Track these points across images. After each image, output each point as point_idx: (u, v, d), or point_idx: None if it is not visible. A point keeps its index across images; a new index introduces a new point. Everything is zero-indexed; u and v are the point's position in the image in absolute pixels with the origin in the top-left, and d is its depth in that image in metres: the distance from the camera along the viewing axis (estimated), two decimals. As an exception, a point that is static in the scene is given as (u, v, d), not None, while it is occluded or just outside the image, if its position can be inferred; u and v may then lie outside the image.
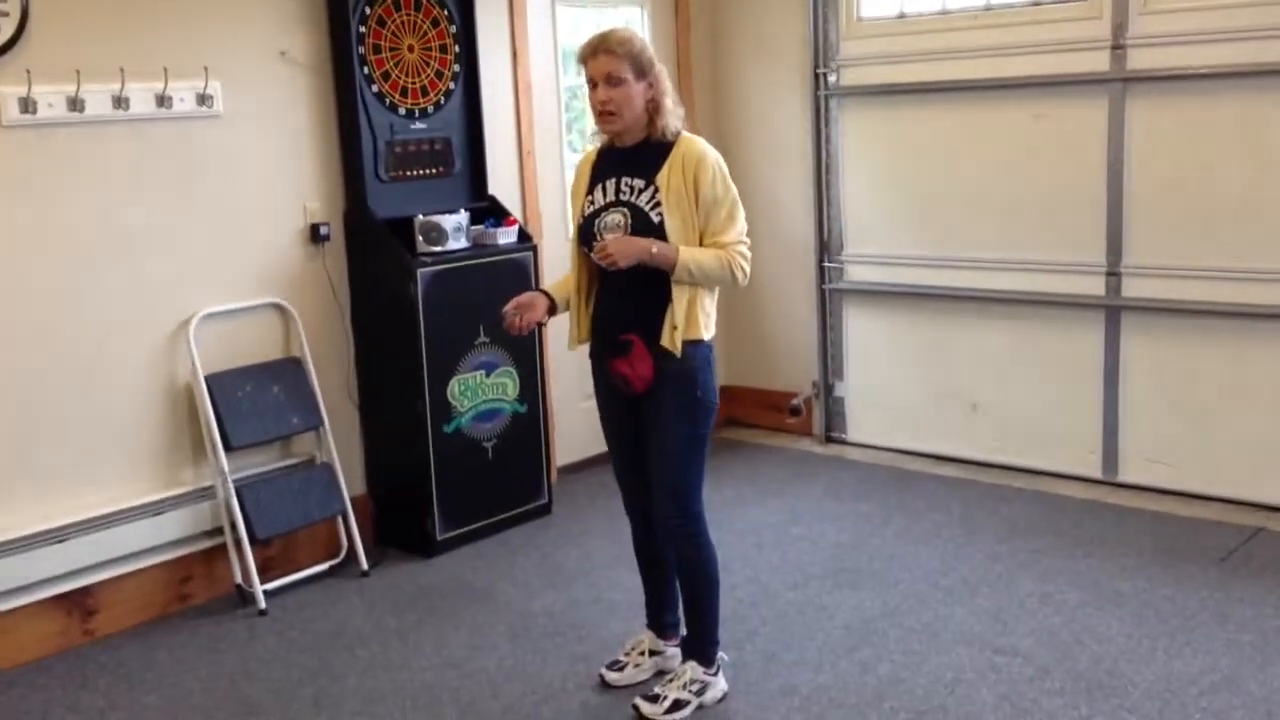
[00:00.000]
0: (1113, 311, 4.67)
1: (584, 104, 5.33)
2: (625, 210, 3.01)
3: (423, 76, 4.42)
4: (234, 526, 3.98)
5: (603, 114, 3.00)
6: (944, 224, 5.07)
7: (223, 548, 4.03)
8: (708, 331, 3.07)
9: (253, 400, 4.06)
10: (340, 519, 4.29)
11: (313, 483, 4.18)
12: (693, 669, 3.21)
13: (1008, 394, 5.00)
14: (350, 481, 4.34)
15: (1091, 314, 4.72)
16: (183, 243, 3.96)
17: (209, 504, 4.00)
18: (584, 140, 5.37)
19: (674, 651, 3.37)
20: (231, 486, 3.96)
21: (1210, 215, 4.39)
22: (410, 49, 4.37)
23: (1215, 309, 4.41)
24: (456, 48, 4.51)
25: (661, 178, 2.98)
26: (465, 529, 4.45)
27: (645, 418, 3.12)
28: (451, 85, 4.51)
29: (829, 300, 5.47)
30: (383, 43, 4.29)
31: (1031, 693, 3.20)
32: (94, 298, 3.76)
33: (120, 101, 3.73)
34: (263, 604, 3.95)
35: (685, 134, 3.05)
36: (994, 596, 3.80)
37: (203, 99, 3.94)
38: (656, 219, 2.97)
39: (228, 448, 3.96)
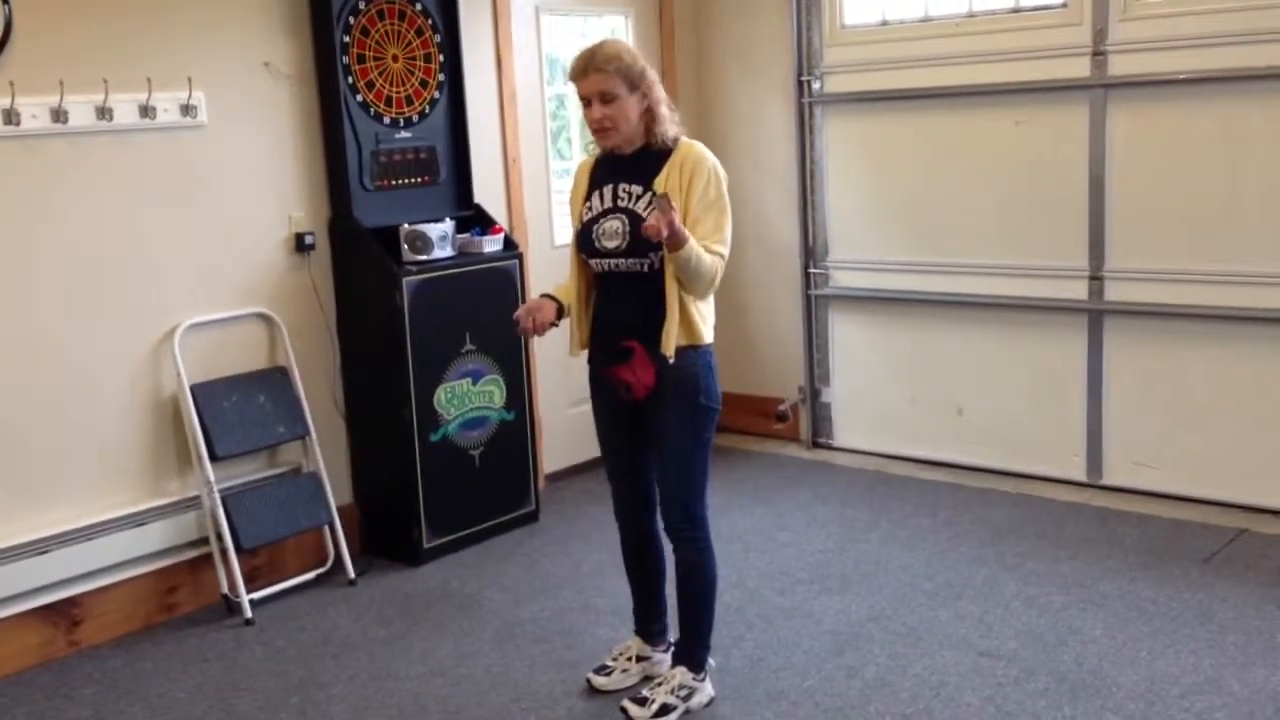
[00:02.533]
0: (1095, 315, 4.70)
1: (569, 112, 5.38)
2: (623, 216, 3.00)
3: (407, 86, 4.43)
4: (220, 536, 3.98)
5: (599, 130, 2.99)
6: (928, 229, 5.10)
7: (209, 557, 4.03)
8: (709, 334, 3.08)
9: (238, 410, 4.05)
10: (327, 528, 4.29)
11: (299, 492, 4.18)
12: (682, 674, 3.22)
13: (992, 398, 5.03)
14: (337, 490, 4.34)
15: (1074, 318, 4.75)
16: (167, 253, 3.96)
17: (195, 514, 4.00)
18: (570, 148, 5.40)
19: (661, 657, 3.38)
20: (218, 496, 3.95)
21: (1191, 219, 4.42)
22: (394, 58, 4.38)
23: (1197, 312, 4.44)
24: (441, 56, 4.52)
25: (659, 183, 2.97)
26: (452, 537, 4.45)
27: (648, 425, 3.12)
28: (436, 94, 4.52)
29: (814, 306, 5.49)
30: (367, 52, 4.30)
31: (1016, 695, 3.21)
32: (78, 308, 3.76)
33: (104, 112, 3.74)
34: (249, 613, 3.95)
35: (685, 140, 3.05)
36: (979, 600, 3.82)
37: (186, 109, 3.94)
38: None
39: (213, 458, 3.96)
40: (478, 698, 3.37)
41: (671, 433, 3.08)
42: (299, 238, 4.29)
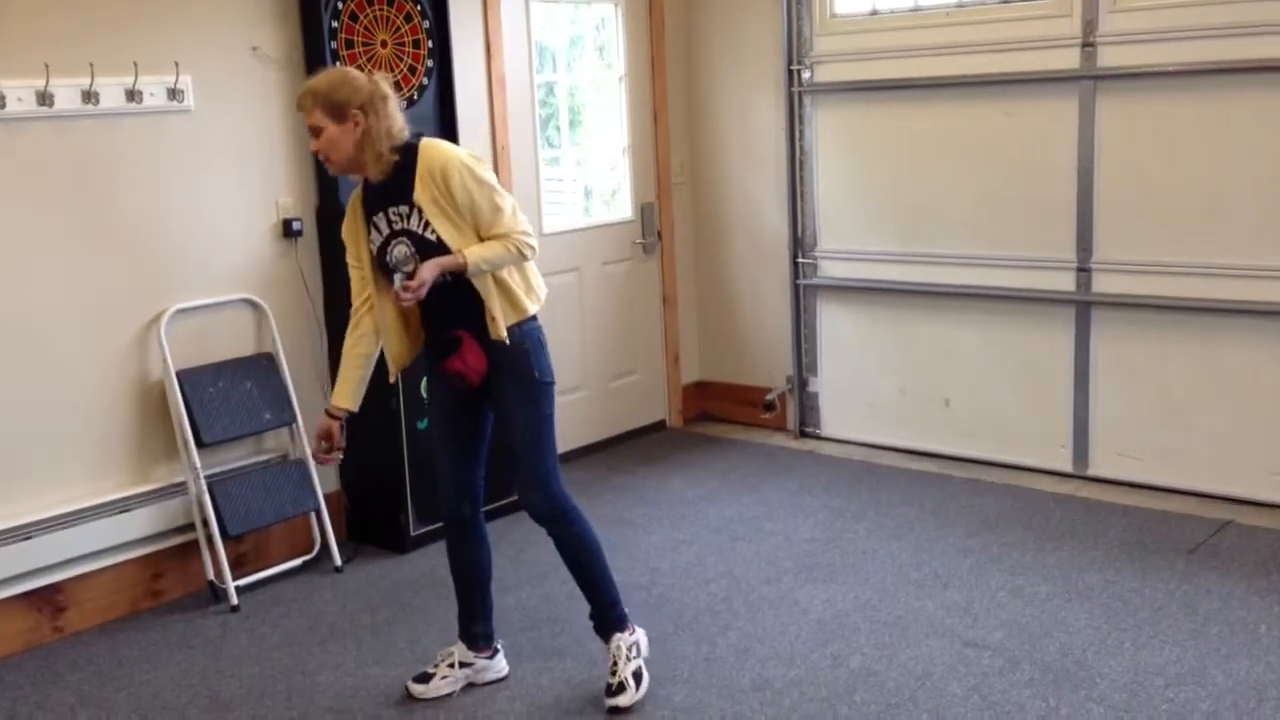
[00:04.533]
0: (1083, 307, 4.71)
1: (558, 100, 5.36)
2: (405, 239, 3.03)
3: (395, 72, 4.40)
4: (206, 523, 3.97)
5: (322, 159, 3.08)
6: (916, 220, 5.10)
7: (195, 544, 4.02)
8: (534, 304, 3.13)
9: (225, 396, 4.04)
10: (313, 515, 4.28)
11: (285, 479, 4.17)
12: (619, 639, 3.26)
13: (979, 389, 5.04)
14: (323, 477, 4.33)
15: (1062, 309, 4.76)
16: (154, 238, 3.94)
17: (181, 500, 3.99)
18: (559, 136, 5.38)
19: (484, 663, 3.37)
20: (204, 483, 3.94)
21: (1178, 212, 4.43)
22: (383, 44, 4.36)
23: (1184, 304, 4.46)
24: (429, 43, 4.51)
25: (417, 196, 3.00)
26: (438, 524, 4.43)
27: (488, 414, 3.19)
28: (425, 81, 4.50)
29: (802, 296, 5.49)
30: (355, 38, 4.28)
31: (1001, 685, 3.23)
32: (64, 293, 3.74)
33: (90, 96, 3.71)
34: (235, 600, 3.94)
35: (424, 142, 3.05)
36: (964, 590, 3.83)
37: (173, 94, 3.92)
38: (433, 237, 2.99)
39: (200, 444, 3.95)
40: (464, 685, 3.37)
41: (516, 416, 3.13)
42: (286, 224, 4.27)
